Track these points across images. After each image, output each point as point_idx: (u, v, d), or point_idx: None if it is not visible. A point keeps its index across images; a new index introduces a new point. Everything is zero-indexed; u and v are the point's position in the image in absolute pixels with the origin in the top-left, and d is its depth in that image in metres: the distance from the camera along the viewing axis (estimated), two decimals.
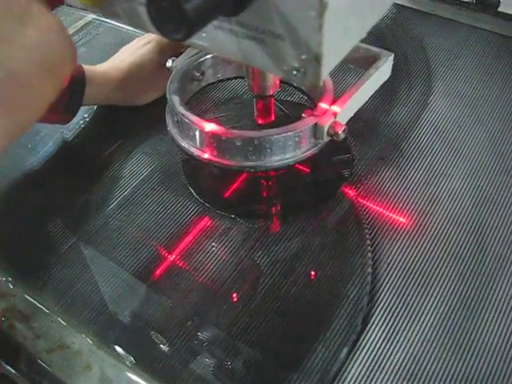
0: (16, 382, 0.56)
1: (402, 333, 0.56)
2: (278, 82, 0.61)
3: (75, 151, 0.77)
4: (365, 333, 0.56)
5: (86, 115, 0.81)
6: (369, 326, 0.56)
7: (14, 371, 0.56)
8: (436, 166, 0.69)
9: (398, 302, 0.58)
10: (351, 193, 0.66)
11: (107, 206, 0.69)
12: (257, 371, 0.54)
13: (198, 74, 0.71)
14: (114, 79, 0.74)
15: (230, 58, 0.43)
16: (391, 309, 0.57)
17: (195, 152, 0.61)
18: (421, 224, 0.64)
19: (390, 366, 0.53)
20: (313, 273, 0.60)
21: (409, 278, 0.59)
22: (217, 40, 0.41)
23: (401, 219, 0.64)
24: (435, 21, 0.92)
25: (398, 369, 0.53)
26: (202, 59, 0.71)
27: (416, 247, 0.62)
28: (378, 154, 0.71)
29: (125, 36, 0.92)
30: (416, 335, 0.55)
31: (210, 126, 0.58)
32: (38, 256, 0.64)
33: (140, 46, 0.77)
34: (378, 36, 0.89)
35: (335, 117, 0.57)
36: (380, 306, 0.57)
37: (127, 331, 0.57)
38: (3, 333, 0.58)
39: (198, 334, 0.56)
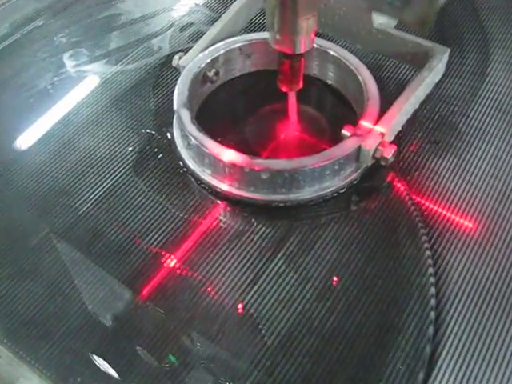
0: None
1: (481, 381, 0.40)
2: (313, 35, 0.45)
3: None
4: (430, 382, 0.40)
5: None
6: (435, 372, 0.41)
7: None
8: (504, 154, 0.54)
9: (471, 337, 0.43)
10: (400, 187, 0.50)
11: (81, 199, 0.52)
12: None
13: (211, 75, 0.55)
14: None
15: None
16: (463, 347, 0.42)
17: (211, 182, 0.50)
18: (492, 230, 0.49)
19: None
20: (357, 297, 0.43)
21: (483, 303, 0.45)
22: None
23: (466, 223, 0.48)
24: None
25: None
26: (217, 54, 0.56)
27: (490, 261, 0.47)
28: (431, 137, 0.54)
29: None
30: None
31: (229, 155, 0.48)
32: None
33: None
34: None
35: (382, 136, 0.48)
36: (448, 344, 0.42)
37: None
38: None
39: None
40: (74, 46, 0.66)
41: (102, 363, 0.42)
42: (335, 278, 0.45)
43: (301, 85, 0.50)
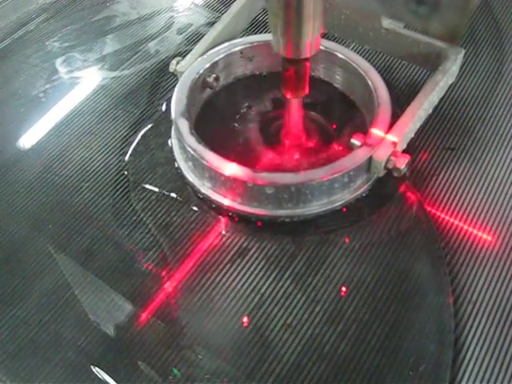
0: None
1: None
2: (319, 38, 0.42)
3: None
4: None
5: None
6: None
7: None
8: None
9: (493, 362, 0.40)
10: (414, 198, 0.47)
11: (75, 215, 0.49)
12: None
13: (211, 81, 0.52)
14: None
15: None
16: (485, 372, 0.39)
17: (212, 196, 0.47)
18: None
19: None
20: (370, 319, 0.40)
21: (505, 324, 0.41)
22: None
23: (485, 236, 0.45)
24: None
25: None
26: (217, 59, 0.53)
27: (511, 277, 0.42)
28: (445, 143, 0.51)
29: None
30: None
31: (231, 169, 0.44)
32: None
33: None
34: None
35: (395, 146, 0.45)
36: (469, 370, 0.39)
37: None
38: None
39: None
40: (67, 51, 0.63)
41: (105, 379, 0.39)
42: (346, 300, 0.42)
43: (306, 91, 0.46)
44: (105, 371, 0.40)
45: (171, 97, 0.50)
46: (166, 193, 0.49)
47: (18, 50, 0.64)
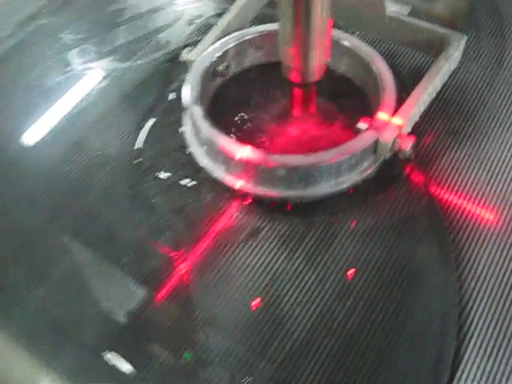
0: None
1: (508, 380, 0.39)
2: (323, 65, 0.48)
3: None
4: (455, 381, 0.39)
5: None
6: (460, 371, 0.40)
7: None
8: None
9: (496, 333, 0.42)
10: (419, 179, 0.49)
11: (93, 200, 0.50)
12: None
13: (221, 69, 0.54)
14: None
15: None
16: (488, 344, 0.41)
17: (226, 179, 0.49)
18: None
19: None
20: (377, 296, 0.42)
21: (507, 298, 0.43)
22: None
23: (488, 214, 0.47)
24: None
25: None
26: (226, 48, 0.54)
27: None
28: (449, 127, 0.53)
29: None
30: None
31: (244, 152, 0.46)
32: None
33: None
34: None
35: (400, 128, 0.47)
36: (473, 341, 0.41)
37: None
38: None
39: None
40: (80, 43, 0.64)
41: (118, 362, 0.41)
42: (354, 278, 0.44)
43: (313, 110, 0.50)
44: (120, 354, 0.41)
45: (181, 86, 0.52)
46: (181, 177, 0.50)
47: (32, 42, 0.66)
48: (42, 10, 0.70)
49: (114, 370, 0.41)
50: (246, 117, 0.54)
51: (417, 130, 0.52)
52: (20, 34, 0.67)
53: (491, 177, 0.50)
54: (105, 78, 0.60)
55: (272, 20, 0.56)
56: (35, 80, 0.61)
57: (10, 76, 0.62)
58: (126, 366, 0.40)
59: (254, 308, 0.43)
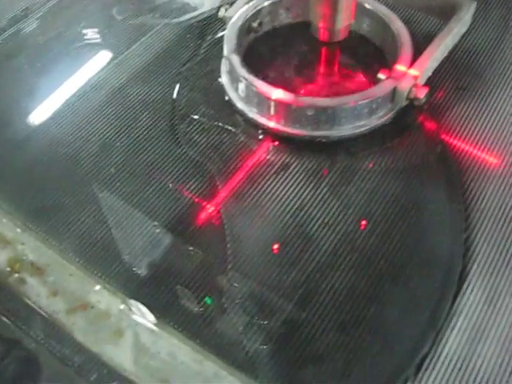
0: (30, 349, 0.44)
1: (506, 294, 0.45)
2: (348, 25, 0.54)
3: None
4: (461, 294, 0.45)
5: None
6: (466, 284, 0.46)
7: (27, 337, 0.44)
8: None
9: (497, 256, 0.47)
10: (431, 127, 0.55)
11: (130, 138, 0.56)
12: (324, 340, 0.43)
13: (255, 25, 0.60)
14: None
15: None
16: (490, 264, 0.47)
17: (259, 120, 0.54)
18: None
19: (495, 334, 0.43)
20: (394, 221, 0.48)
21: (508, 228, 0.49)
22: None
23: (491, 159, 0.52)
24: None
25: (505, 338, 0.43)
26: (260, 7, 0.60)
27: None
28: (458, 84, 0.58)
29: None
30: None
31: (278, 93, 0.52)
32: (52, 196, 0.52)
33: None
34: None
35: (416, 79, 0.52)
36: (477, 262, 0.47)
37: (163, 289, 0.47)
38: (11, 289, 0.45)
39: (249, 297, 0.45)
40: (121, 1, 0.70)
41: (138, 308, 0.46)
42: (374, 205, 0.50)
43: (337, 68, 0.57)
44: (142, 303, 0.46)
45: (216, 42, 0.57)
46: (219, 119, 0.56)
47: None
48: None
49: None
50: (277, 68, 0.60)
51: (430, 84, 0.57)
52: None
53: (495, 126, 0.56)
54: (146, 32, 0.66)
55: None
56: (81, 33, 0.67)
57: (60, 28, 0.68)
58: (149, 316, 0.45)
59: (287, 227, 0.49)
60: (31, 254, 0.49)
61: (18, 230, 0.50)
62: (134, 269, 0.48)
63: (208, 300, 0.46)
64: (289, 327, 0.43)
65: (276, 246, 0.48)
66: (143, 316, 0.45)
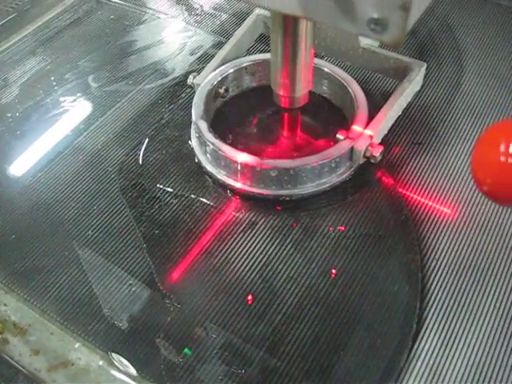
0: None
1: (461, 337, 0.49)
2: (307, 93, 0.57)
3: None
4: (419, 339, 0.49)
5: None
6: (423, 330, 0.49)
7: None
8: None
9: (452, 302, 0.51)
10: (389, 181, 0.59)
11: (106, 201, 0.60)
12: None
13: (222, 91, 0.64)
14: None
15: (288, 11, 0.36)
16: (446, 310, 0.50)
17: (227, 181, 0.58)
18: (468, 215, 0.57)
19: (452, 375, 0.46)
20: (355, 272, 0.52)
21: (461, 275, 0.53)
22: None
23: (445, 210, 0.57)
24: None
25: (461, 379, 0.46)
26: (226, 74, 0.64)
27: (466, 240, 0.55)
28: (414, 139, 0.63)
29: (121, 11, 0.84)
30: (476, 339, 0.48)
31: (243, 157, 0.56)
32: (33, 258, 0.55)
33: None
34: None
35: (371, 138, 0.56)
36: (434, 308, 0.51)
37: (141, 344, 0.49)
38: None
39: (223, 346, 0.49)
40: (97, 70, 0.74)
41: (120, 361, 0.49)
42: (335, 258, 0.53)
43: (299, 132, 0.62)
44: (123, 356, 0.49)
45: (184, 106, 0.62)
46: (188, 180, 0.60)
47: (54, 69, 0.76)
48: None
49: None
50: (242, 131, 0.64)
51: (386, 142, 0.62)
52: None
53: (449, 180, 0.60)
54: (119, 98, 0.70)
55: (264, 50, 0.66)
56: (58, 100, 0.71)
57: (38, 95, 0.72)
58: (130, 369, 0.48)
59: (253, 282, 0.52)
60: (13, 315, 0.51)
61: (1, 292, 0.53)
62: (112, 325, 0.50)
63: (187, 351, 0.48)
64: (263, 376, 0.46)
65: (245, 300, 0.51)
66: (125, 368, 0.47)
